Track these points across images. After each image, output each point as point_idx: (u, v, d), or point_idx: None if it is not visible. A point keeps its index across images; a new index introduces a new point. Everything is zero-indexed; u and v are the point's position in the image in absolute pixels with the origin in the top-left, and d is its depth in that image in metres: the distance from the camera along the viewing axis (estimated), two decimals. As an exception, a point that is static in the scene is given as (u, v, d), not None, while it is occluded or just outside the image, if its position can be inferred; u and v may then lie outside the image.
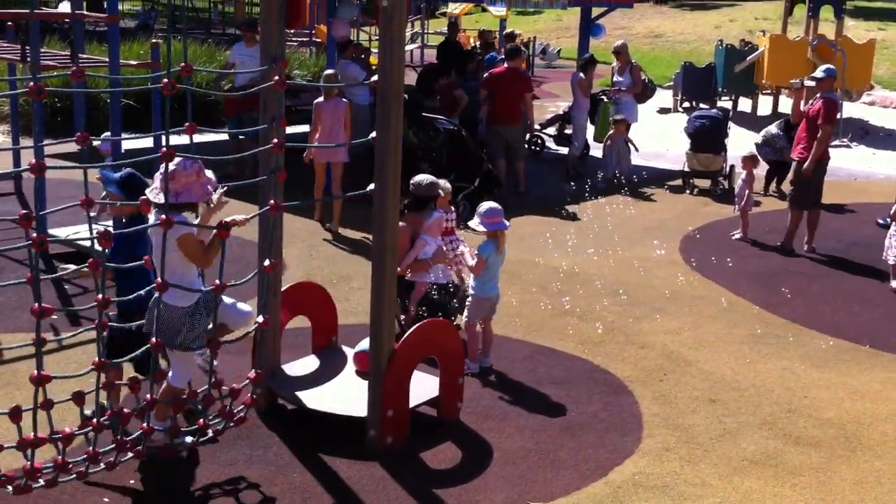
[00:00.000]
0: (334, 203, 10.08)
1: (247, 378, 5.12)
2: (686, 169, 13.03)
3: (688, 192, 12.85)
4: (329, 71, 10.89)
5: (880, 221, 10.99)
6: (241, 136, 11.61)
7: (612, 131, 12.96)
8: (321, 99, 10.02)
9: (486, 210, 6.56)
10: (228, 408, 4.98)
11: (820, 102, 9.78)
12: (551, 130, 15.51)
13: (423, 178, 7.27)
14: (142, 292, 4.52)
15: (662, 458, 5.46)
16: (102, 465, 4.54)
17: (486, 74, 12.61)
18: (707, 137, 12.81)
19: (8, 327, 6.84)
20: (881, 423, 6.07)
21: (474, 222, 6.62)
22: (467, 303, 6.69)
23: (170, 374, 5.03)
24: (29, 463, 4.14)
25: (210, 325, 4.69)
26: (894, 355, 7.29)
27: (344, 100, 10.25)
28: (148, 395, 4.57)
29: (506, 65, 12.45)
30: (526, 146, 13.75)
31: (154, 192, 4.59)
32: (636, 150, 13.58)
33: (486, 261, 6.52)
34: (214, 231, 4.50)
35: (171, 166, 4.44)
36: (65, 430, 4.21)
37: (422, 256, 7.03)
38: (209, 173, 4.86)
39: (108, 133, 8.62)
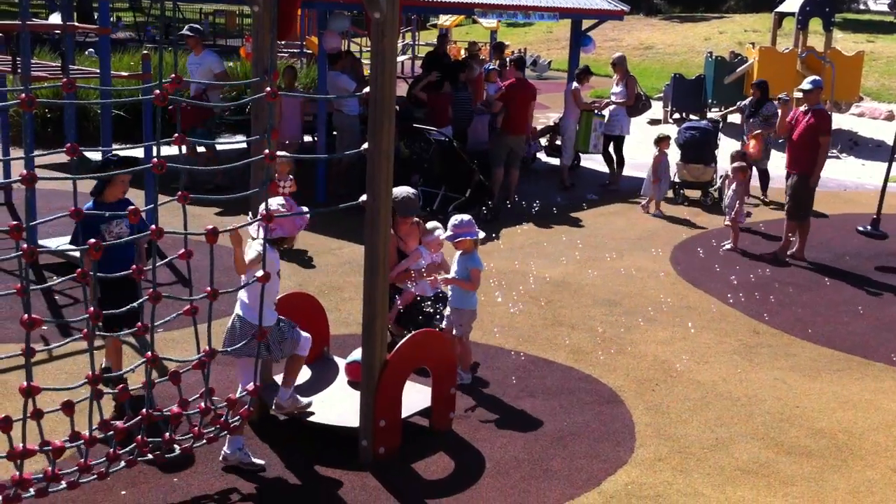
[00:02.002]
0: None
1: (245, 390, 5.10)
2: (676, 179, 13.07)
3: (679, 202, 12.88)
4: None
5: (860, 229, 11.05)
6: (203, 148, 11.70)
7: (656, 151, 12.21)
8: None
9: (459, 222, 6.55)
10: (224, 418, 4.97)
11: (812, 115, 9.86)
12: (542, 141, 15.55)
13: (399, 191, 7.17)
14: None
15: (655, 468, 5.46)
16: (94, 476, 4.51)
17: (502, 87, 12.62)
18: (697, 148, 12.89)
19: (-2, 338, 6.81)
20: (873, 432, 6.09)
21: (447, 235, 6.61)
22: (448, 315, 6.63)
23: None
24: (18, 473, 4.11)
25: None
26: (885, 365, 7.31)
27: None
28: (144, 410, 4.56)
29: (514, 77, 12.48)
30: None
31: (255, 228, 5.16)
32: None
33: (481, 271, 6.53)
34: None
35: (275, 206, 5.06)
36: (55, 442, 4.19)
37: (414, 268, 7.02)
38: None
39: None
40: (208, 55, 12.12)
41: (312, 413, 5.54)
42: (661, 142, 12.26)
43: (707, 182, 12.98)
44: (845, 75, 18.26)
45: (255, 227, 5.09)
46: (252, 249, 5.17)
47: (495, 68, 14.39)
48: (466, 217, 6.62)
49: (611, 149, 13.80)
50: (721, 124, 13.56)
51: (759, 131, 12.84)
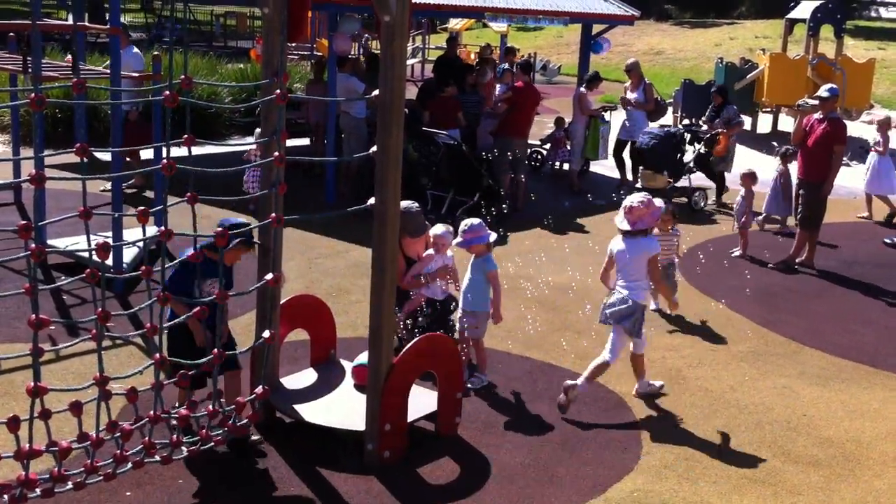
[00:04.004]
0: None
1: (252, 393, 5.10)
2: (637, 185, 13.00)
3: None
4: None
5: (888, 241, 10.99)
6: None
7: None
8: None
9: (469, 227, 6.56)
10: (232, 420, 4.97)
11: (827, 123, 9.84)
12: (549, 146, 15.51)
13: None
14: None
15: (661, 475, 5.44)
16: (100, 477, 4.51)
17: (508, 88, 12.63)
18: (650, 155, 12.80)
19: (6, 337, 6.82)
20: (881, 442, 6.06)
21: (459, 241, 6.62)
22: (463, 320, 6.65)
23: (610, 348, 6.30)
24: (24, 473, 4.11)
25: None
26: (894, 374, 7.28)
27: None
28: (151, 412, 4.56)
29: (520, 81, 12.48)
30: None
31: (619, 220, 6.29)
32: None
33: (497, 272, 6.55)
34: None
35: (636, 202, 6.23)
36: (62, 442, 4.19)
37: (425, 271, 7.01)
38: (658, 202, 6.38)
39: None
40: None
41: (318, 416, 5.54)
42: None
43: (660, 189, 12.68)
44: (856, 82, 18.20)
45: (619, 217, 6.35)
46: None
47: (509, 69, 14.39)
48: (476, 221, 6.62)
49: (625, 154, 13.78)
50: (687, 134, 13.21)
51: (724, 130, 12.92)
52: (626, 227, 6.32)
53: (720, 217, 12.55)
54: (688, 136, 13.16)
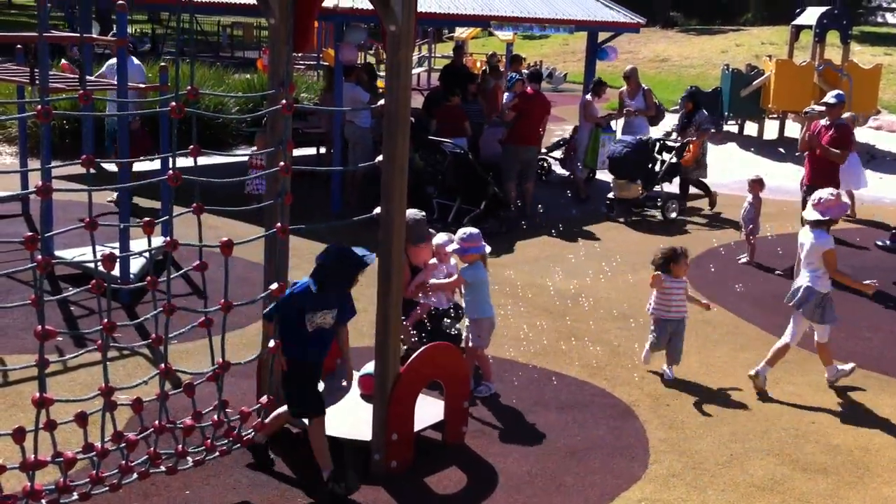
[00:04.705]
0: None
1: (259, 403, 5.10)
2: (610, 195, 12.79)
3: (611, 214, 12.62)
4: None
5: (879, 243, 10.94)
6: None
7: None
8: None
9: (467, 236, 6.56)
10: (238, 430, 4.97)
11: (834, 130, 9.83)
12: (557, 154, 15.52)
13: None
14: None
15: (669, 483, 5.42)
16: (106, 487, 4.52)
17: (515, 95, 12.64)
18: (623, 164, 12.46)
19: (14, 349, 6.84)
20: (889, 448, 6.03)
21: (453, 247, 6.63)
22: (467, 327, 6.65)
23: None
24: (30, 484, 4.12)
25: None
26: (903, 381, 7.24)
27: None
28: (157, 422, 4.56)
29: (529, 88, 12.49)
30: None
31: (808, 212, 6.97)
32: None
33: (467, 282, 6.59)
34: None
35: (826, 195, 6.88)
36: (67, 453, 4.19)
37: (430, 280, 7.01)
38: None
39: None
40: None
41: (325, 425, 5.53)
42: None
43: (633, 199, 12.59)
44: (863, 88, 18.15)
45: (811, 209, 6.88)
46: None
47: (521, 79, 14.40)
48: (475, 230, 6.62)
49: None
50: (656, 143, 12.93)
51: (694, 138, 12.80)
52: (816, 216, 6.93)
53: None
54: (657, 146, 12.92)
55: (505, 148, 12.33)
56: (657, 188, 12.80)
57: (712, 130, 14.09)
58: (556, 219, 11.81)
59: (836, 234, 11.48)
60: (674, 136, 13.45)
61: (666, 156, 12.93)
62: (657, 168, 12.79)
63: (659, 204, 12.66)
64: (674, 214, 12.70)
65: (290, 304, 5.04)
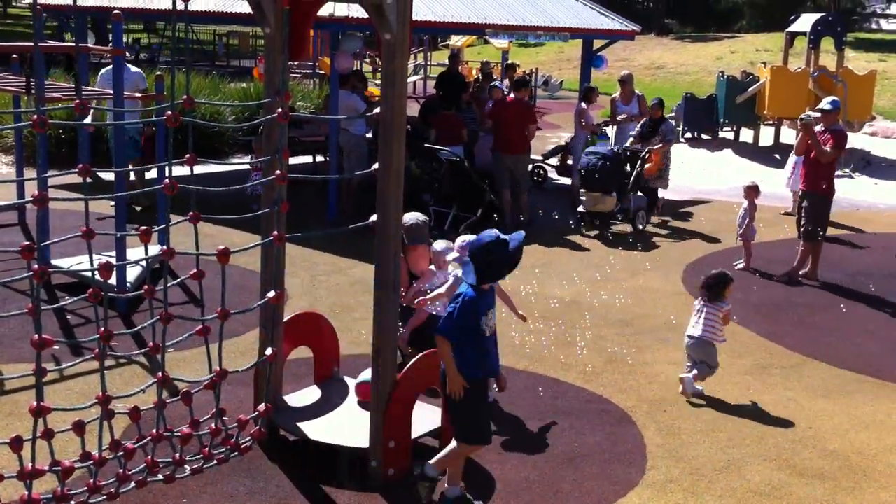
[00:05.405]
0: None
1: (256, 411, 5.10)
2: (581, 209, 12.44)
3: (583, 229, 12.20)
4: None
5: None
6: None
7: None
8: None
9: (465, 243, 6.54)
10: (235, 439, 4.96)
11: (830, 135, 9.86)
12: (553, 161, 15.55)
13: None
14: None
15: (666, 489, 5.42)
16: (104, 496, 4.51)
17: (490, 104, 12.71)
18: (597, 175, 12.04)
19: (11, 357, 6.83)
20: (886, 454, 6.03)
21: (451, 255, 6.61)
22: None
23: None
24: (27, 493, 4.11)
25: None
26: (899, 386, 7.26)
27: None
28: (154, 430, 4.55)
29: (512, 95, 12.58)
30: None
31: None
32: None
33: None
34: None
35: None
36: (64, 462, 4.19)
37: (427, 287, 7.01)
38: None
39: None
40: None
41: (322, 433, 5.53)
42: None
43: (607, 213, 12.22)
44: (858, 94, 18.22)
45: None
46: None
47: (497, 86, 14.44)
48: (473, 238, 6.61)
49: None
50: (627, 152, 12.69)
51: (658, 146, 12.77)
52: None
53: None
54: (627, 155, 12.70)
55: (493, 155, 12.42)
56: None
57: (672, 143, 13.80)
58: (552, 226, 11.82)
59: (835, 237, 11.68)
60: (629, 141, 13.19)
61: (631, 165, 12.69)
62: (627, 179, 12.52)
63: (630, 217, 12.35)
64: (642, 225, 12.36)
65: (474, 310, 4.73)
